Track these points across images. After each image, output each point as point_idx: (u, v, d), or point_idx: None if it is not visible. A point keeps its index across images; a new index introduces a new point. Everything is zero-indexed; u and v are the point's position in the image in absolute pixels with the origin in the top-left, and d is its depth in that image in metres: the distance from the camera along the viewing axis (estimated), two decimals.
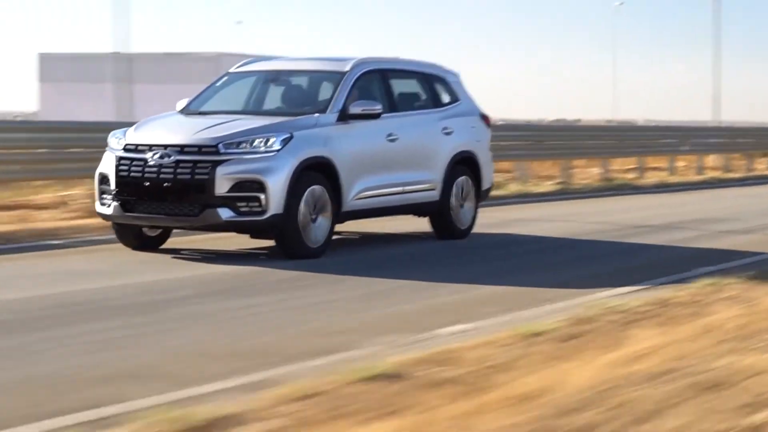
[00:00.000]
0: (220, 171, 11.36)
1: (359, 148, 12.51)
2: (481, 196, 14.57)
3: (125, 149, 11.82)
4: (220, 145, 11.46)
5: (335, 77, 12.81)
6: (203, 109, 12.92)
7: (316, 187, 11.85)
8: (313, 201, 11.80)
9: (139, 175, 11.59)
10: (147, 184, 11.55)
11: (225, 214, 11.38)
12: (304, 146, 11.79)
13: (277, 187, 11.45)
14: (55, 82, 63.01)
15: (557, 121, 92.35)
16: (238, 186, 11.39)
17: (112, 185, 11.76)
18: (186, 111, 12.96)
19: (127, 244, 12.34)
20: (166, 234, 12.52)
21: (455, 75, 14.75)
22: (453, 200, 13.88)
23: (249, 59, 13.85)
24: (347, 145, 12.31)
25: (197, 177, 11.38)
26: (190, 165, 11.41)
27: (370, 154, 12.68)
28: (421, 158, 13.46)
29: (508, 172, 25.06)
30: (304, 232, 11.72)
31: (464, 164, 14.16)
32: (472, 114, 14.56)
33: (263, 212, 11.43)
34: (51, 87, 62.99)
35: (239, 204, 11.41)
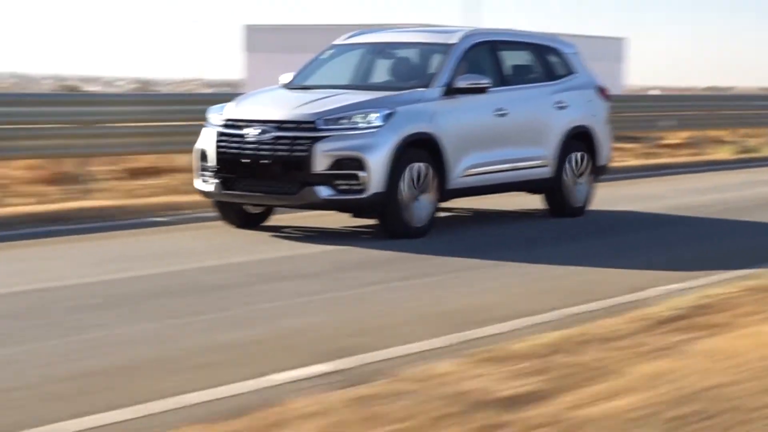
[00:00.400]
0: (319, 148, 11.04)
1: (466, 124, 12.07)
2: (598, 173, 14.01)
3: (224, 125, 11.57)
4: (319, 121, 11.14)
5: (442, 50, 12.38)
6: (307, 83, 12.60)
7: (419, 165, 11.46)
8: (416, 179, 11.42)
9: (238, 151, 11.34)
10: (245, 161, 11.28)
11: (324, 192, 11.06)
12: (407, 122, 11.40)
13: (377, 164, 11.09)
14: (260, 52, 63.39)
15: (708, 89, 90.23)
16: (338, 163, 11.06)
17: (212, 162, 11.53)
18: (290, 85, 12.66)
19: (229, 221, 12.12)
20: (268, 212, 12.27)
21: (571, 47, 14.19)
22: (567, 177, 13.37)
23: (358, 31, 13.46)
24: (453, 120, 11.89)
25: (295, 154, 11.08)
26: (288, 141, 11.12)
27: (477, 129, 12.23)
28: (533, 133, 12.97)
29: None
30: (406, 211, 11.35)
31: (579, 139, 13.62)
32: (589, 87, 14.00)
33: (363, 190, 11.08)
34: (256, 57, 63.30)
35: (338, 182, 11.08)
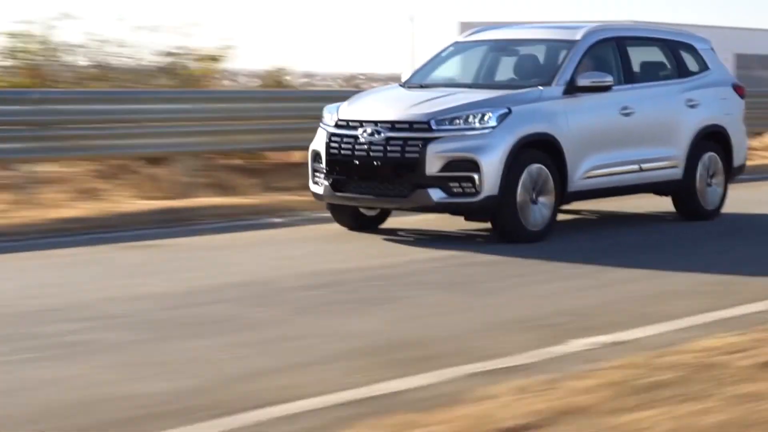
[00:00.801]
0: (432, 149, 10.68)
1: (588, 124, 11.58)
2: (732, 174, 13.36)
3: (337, 125, 11.30)
4: (432, 122, 10.78)
5: (565, 46, 11.89)
6: (426, 81, 12.24)
7: (537, 166, 11.02)
8: (534, 181, 10.98)
9: (350, 152, 11.05)
10: (357, 162, 10.99)
11: (436, 195, 10.71)
12: (524, 122, 10.97)
13: (491, 166, 10.69)
14: None
15: None
16: (451, 165, 10.69)
17: (323, 163, 11.28)
18: (408, 84, 12.32)
19: (343, 224, 11.86)
20: (384, 214, 11.95)
21: (706, 42, 13.56)
22: (698, 179, 12.75)
23: (479, 27, 13.05)
24: (574, 120, 11.40)
25: (407, 155, 10.74)
26: (400, 142, 10.78)
27: (600, 129, 11.72)
28: (661, 133, 12.40)
29: None
30: (522, 215, 10.93)
31: (712, 139, 12.99)
32: (724, 84, 13.35)
33: (477, 193, 10.69)
34: None
35: (451, 184, 10.70)
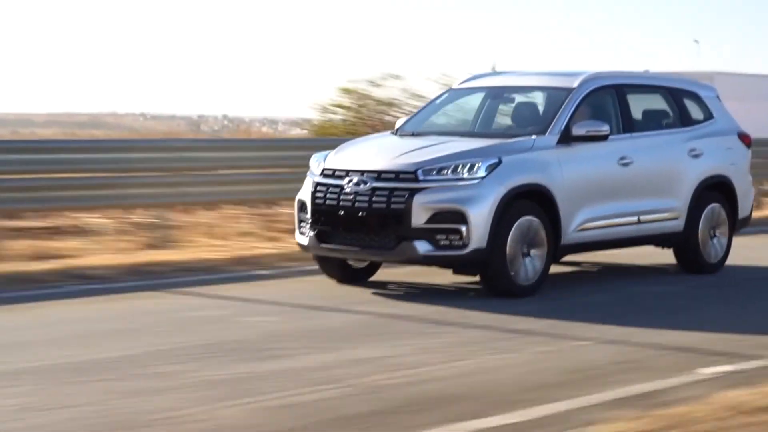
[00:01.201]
0: (418, 200, 10.34)
1: (583, 174, 11.21)
2: (737, 226, 12.94)
3: (323, 174, 10.99)
4: (419, 172, 10.45)
5: (561, 94, 11.55)
6: (419, 129, 11.91)
7: (529, 218, 10.65)
8: (525, 233, 10.61)
9: (335, 203, 10.72)
10: (342, 213, 10.66)
11: (422, 247, 10.35)
12: (515, 172, 10.61)
13: (479, 218, 10.33)
14: None
15: None
16: (437, 217, 10.34)
17: (308, 213, 10.96)
18: (400, 132, 12.00)
19: (331, 275, 11.52)
20: (374, 266, 11.60)
21: (711, 90, 13.19)
22: (701, 231, 12.36)
23: (475, 74, 12.71)
24: (569, 170, 11.04)
25: (393, 206, 10.40)
26: (386, 193, 10.45)
27: (596, 180, 11.35)
28: (662, 184, 12.01)
29: None
30: (512, 268, 10.55)
31: (716, 190, 12.60)
32: (729, 133, 12.96)
33: (464, 246, 10.33)
34: None
35: (438, 236, 10.35)
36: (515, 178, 10.59)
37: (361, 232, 10.57)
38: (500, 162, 10.54)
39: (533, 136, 11.03)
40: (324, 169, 10.99)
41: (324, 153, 11.32)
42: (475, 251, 10.33)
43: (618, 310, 10.21)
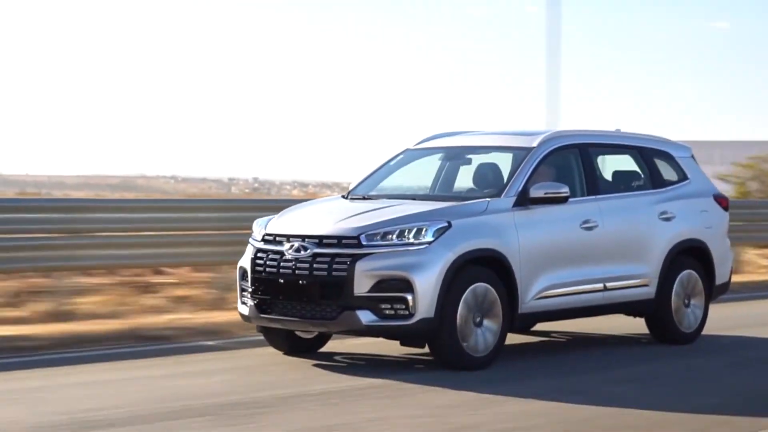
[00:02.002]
0: (361, 266, 9.67)
1: (542, 239, 10.54)
2: (714, 293, 12.24)
3: (264, 240, 10.35)
4: (362, 236, 9.79)
5: (520, 155, 10.92)
6: (372, 192, 11.28)
7: (482, 285, 9.97)
8: (477, 302, 9.93)
9: (275, 270, 10.06)
10: (281, 281, 10.00)
11: (366, 317, 9.67)
12: (466, 237, 9.94)
13: (426, 286, 9.65)
14: None
15: None
16: (381, 285, 9.66)
17: (249, 282, 10.30)
18: (351, 194, 11.36)
19: (277, 347, 10.85)
20: (324, 336, 10.92)
21: (685, 150, 12.53)
22: (674, 298, 11.67)
23: (435, 134, 12.07)
24: (526, 234, 10.37)
25: (335, 274, 9.73)
26: (328, 259, 9.79)
27: (557, 244, 10.67)
28: (630, 248, 11.32)
29: None
30: (463, 339, 9.87)
31: (690, 255, 11.91)
32: (704, 195, 12.29)
33: (410, 316, 9.64)
34: None
35: (383, 306, 9.67)
36: (466, 243, 9.92)
37: (302, 301, 9.90)
38: (450, 226, 9.89)
39: (488, 199, 10.38)
40: (265, 235, 10.36)
41: (268, 217, 10.69)
42: (422, 321, 9.65)
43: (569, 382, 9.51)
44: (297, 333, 10.69)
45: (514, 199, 10.43)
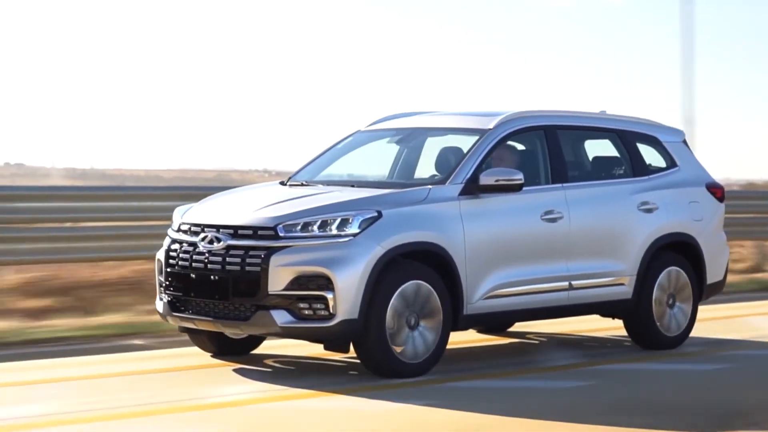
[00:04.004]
0: (276, 261, 8.59)
1: (494, 231, 9.38)
2: (705, 293, 10.99)
3: (179, 230, 9.32)
4: (279, 227, 8.71)
5: (474, 136, 9.77)
6: (315, 177, 10.17)
7: (417, 283, 8.87)
8: (411, 302, 8.83)
9: (187, 264, 9.03)
10: (193, 276, 8.96)
11: (281, 318, 8.59)
12: (398, 228, 8.82)
13: (348, 283, 8.55)
14: None
15: None
16: (299, 281, 8.58)
17: (163, 276, 9.29)
18: (291, 180, 10.26)
19: (204, 348, 9.83)
20: (257, 337, 9.86)
21: (676, 134, 11.28)
22: (655, 299, 10.46)
23: (390, 115, 10.93)
24: (474, 226, 9.22)
25: (248, 268, 8.67)
26: (241, 252, 8.73)
27: (511, 238, 9.51)
28: (602, 243, 10.13)
29: None
30: (395, 343, 8.77)
31: (675, 251, 10.69)
32: (695, 184, 11.03)
33: (330, 317, 8.56)
34: None
35: (301, 305, 8.60)
36: (398, 235, 8.80)
37: (214, 299, 8.85)
38: (380, 216, 8.78)
39: (429, 186, 9.25)
40: (181, 224, 9.33)
41: (190, 205, 9.66)
42: (344, 323, 8.56)
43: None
44: (226, 333, 9.64)
45: (461, 186, 9.29)
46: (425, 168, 10.38)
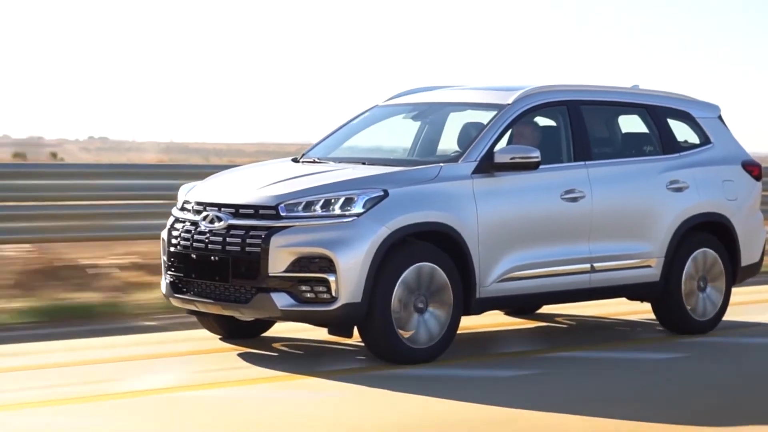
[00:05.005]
0: (276, 241, 8.26)
1: (509, 211, 8.98)
2: (740, 276, 10.51)
3: (182, 208, 9.03)
4: (281, 207, 8.37)
5: (492, 112, 9.36)
6: (329, 154, 9.81)
7: (426, 265, 8.50)
8: (419, 284, 8.46)
9: (188, 243, 8.73)
10: (194, 256, 8.66)
11: (281, 300, 8.26)
12: (405, 208, 8.44)
13: (351, 265, 8.20)
14: None
15: None
16: (300, 263, 8.24)
17: (165, 255, 9.01)
18: (304, 157, 9.90)
19: (212, 330, 9.54)
20: (266, 320, 9.52)
21: (711, 109, 10.77)
22: (685, 281, 10.00)
23: (410, 90, 10.52)
24: (488, 206, 8.83)
25: (248, 249, 8.35)
26: (242, 232, 8.41)
27: (528, 218, 9.09)
28: (626, 223, 9.68)
29: None
30: (402, 328, 8.41)
31: (708, 231, 10.22)
32: (730, 162, 10.53)
33: (332, 300, 8.22)
34: None
35: (303, 287, 8.26)
36: (405, 215, 8.43)
37: (215, 280, 8.55)
38: (386, 195, 8.41)
39: (441, 164, 8.86)
40: (184, 202, 9.04)
41: (197, 182, 9.36)
42: (347, 306, 8.21)
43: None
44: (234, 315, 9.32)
45: (474, 164, 8.89)
46: (447, 144, 9.99)
